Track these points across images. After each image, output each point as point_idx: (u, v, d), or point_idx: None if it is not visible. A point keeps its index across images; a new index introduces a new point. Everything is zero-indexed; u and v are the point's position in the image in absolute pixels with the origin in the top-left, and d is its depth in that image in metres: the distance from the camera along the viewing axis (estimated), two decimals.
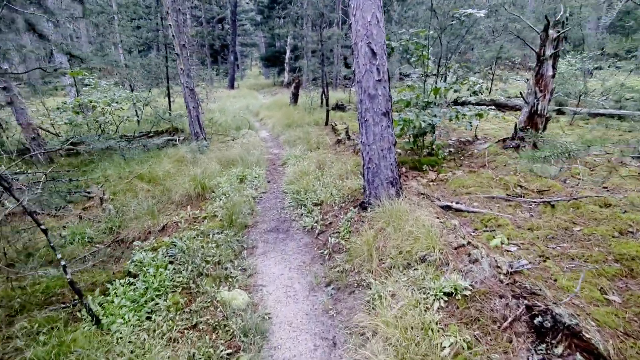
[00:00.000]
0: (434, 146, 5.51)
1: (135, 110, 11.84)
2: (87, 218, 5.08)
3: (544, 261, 3.04)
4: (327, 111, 9.71)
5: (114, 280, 3.24)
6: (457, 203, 4.24)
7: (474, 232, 3.67)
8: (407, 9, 15.09)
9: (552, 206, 3.95)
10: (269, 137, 10.53)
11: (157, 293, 3.11)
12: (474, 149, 6.41)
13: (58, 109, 7.49)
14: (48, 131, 9.13)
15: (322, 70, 9.59)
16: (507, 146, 5.80)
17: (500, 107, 10.07)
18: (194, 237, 4.11)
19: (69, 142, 6.52)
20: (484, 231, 3.66)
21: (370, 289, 2.94)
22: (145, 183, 5.85)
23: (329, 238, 3.96)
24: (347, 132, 8.02)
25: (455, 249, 3.02)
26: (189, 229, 4.39)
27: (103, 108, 7.97)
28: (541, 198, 4.18)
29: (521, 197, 4.26)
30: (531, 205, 4.08)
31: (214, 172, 6.30)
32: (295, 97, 13.93)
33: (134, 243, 4.03)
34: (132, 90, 12.76)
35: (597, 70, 12.53)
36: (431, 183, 4.99)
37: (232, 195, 5.40)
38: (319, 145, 8.09)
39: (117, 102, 7.90)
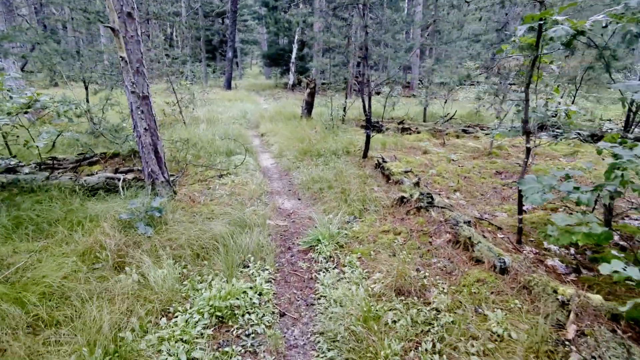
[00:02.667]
0: None
1: (92, 120, 8.29)
2: None
3: None
4: (368, 137, 6.23)
5: None
6: None
7: None
8: None
9: None
10: (274, 169, 7.02)
11: None
12: None
13: None
14: None
15: (364, 74, 6.13)
16: None
17: None
18: None
19: None
20: None
21: None
22: None
23: None
24: (417, 183, 4.56)
25: None
26: None
27: None
28: None
29: None
30: None
31: (159, 292, 2.78)
32: (309, 107, 10.45)
33: None
34: (87, 89, 9.25)
35: None
36: None
37: None
38: (365, 204, 4.60)
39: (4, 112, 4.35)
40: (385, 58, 10.71)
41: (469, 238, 3.24)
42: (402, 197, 4.39)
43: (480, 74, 8.22)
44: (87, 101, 9.42)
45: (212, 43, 28.66)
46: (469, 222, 3.55)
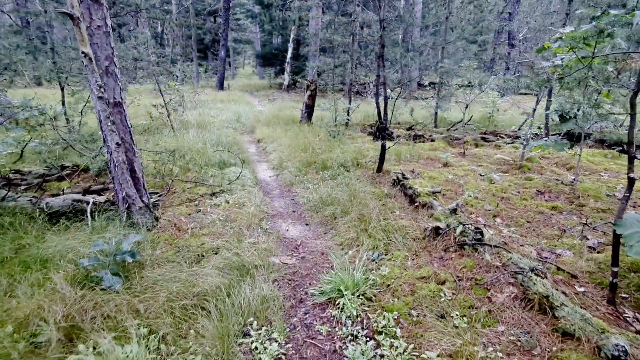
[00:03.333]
0: None
1: (67, 127, 7.39)
2: None
3: None
4: (383, 148, 5.40)
5: None
6: None
7: None
8: None
9: None
10: (274, 183, 6.16)
11: None
12: None
13: None
14: None
15: (379, 75, 5.31)
16: None
17: None
18: None
19: None
20: None
21: None
22: None
23: None
24: (455, 210, 3.75)
25: None
26: None
27: None
28: None
29: None
30: None
31: None
32: (309, 110, 9.61)
33: None
34: (62, 90, 8.29)
35: None
36: None
37: None
38: (390, 235, 3.77)
39: None
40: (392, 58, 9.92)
41: (546, 297, 2.42)
42: (437, 228, 3.57)
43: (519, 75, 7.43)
44: (63, 104, 8.48)
45: (204, 42, 27.66)
46: (535, 269, 2.74)
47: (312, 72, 15.80)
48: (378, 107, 5.44)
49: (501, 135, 8.12)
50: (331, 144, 7.33)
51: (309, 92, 9.44)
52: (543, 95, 7.48)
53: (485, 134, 8.12)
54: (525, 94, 21.99)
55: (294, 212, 4.92)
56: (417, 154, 6.62)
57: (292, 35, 20.87)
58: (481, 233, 3.19)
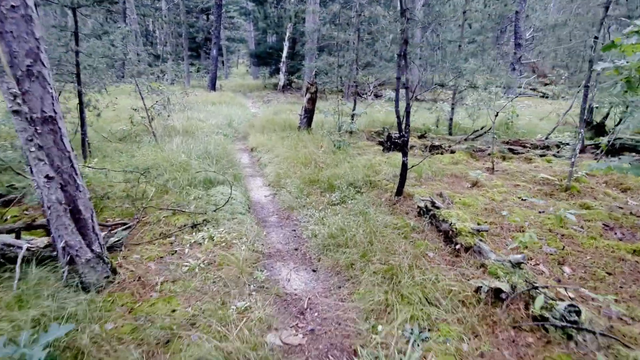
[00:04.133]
0: None
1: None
2: None
3: None
4: (404, 167, 4.40)
5: None
6: None
7: None
8: None
9: None
10: (270, 206, 5.14)
11: None
12: None
13: None
14: None
15: (399, 77, 4.32)
16: None
17: None
18: None
19: None
20: None
21: None
22: None
23: None
24: (519, 263, 2.75)
25: None
26: None
27: None
28: None
29: None
30: None
31: None
32: (309, 115, 8.58)
33: None
34: None
35: None
36: None
37: None
38: (427, 294, 2.76)
39: None
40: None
41: None
42: (499, 291, 2.57)
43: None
44: None
45: (196, 40, 26.50)
46: None
47: (310, 73, 14.76)
48: (398, 117, 4.43)
49: (526, 144, 7.17)
50: (336, 156, 6.32)
51: (308, 95, 8.41)
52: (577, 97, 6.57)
53: (509, 143, 7.17)
54: (531, 95, 21.20)
55: (297, 250, 3.90)
56: (440, 170, 5.64)
57: (287, 33, 19.84)
58: (577, 312, 2.19)
